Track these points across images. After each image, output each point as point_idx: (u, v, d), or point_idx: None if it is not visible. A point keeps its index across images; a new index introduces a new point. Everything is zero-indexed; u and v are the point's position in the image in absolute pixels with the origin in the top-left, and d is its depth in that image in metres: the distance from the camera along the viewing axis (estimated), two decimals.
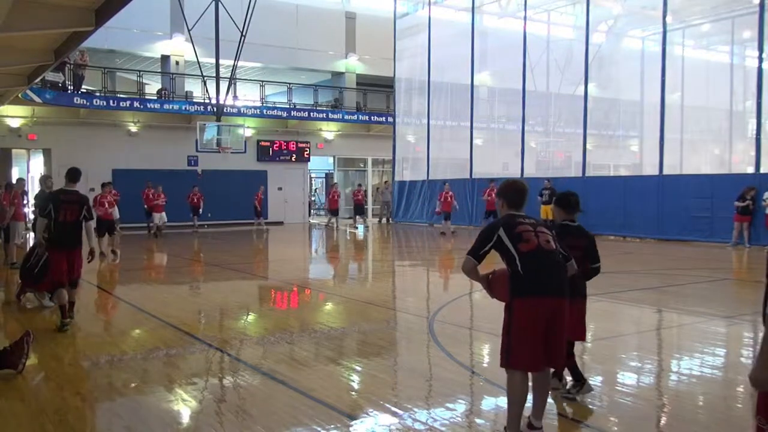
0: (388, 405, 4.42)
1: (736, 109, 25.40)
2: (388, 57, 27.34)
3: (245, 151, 23.20)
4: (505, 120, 26.21)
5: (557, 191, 18.02)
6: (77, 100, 21.51)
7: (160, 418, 4.28)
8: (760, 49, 16.31)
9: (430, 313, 7.96)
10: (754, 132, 17.88)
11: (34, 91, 19.53)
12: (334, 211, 23.79)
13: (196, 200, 21.39)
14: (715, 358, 6.05)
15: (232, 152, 22.38)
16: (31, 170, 24.51)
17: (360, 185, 26.45)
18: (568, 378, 4.59)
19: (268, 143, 26.05)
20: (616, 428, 4.18)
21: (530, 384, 3.71)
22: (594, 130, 23.04)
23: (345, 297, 9.57)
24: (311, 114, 26.87)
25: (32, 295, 8.38)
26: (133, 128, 23.54)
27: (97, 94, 22.73)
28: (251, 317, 8.12)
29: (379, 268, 14.05)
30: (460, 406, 4.52)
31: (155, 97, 24.32)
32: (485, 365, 5.60)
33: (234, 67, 20.64)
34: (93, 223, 7.65)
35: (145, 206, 20.02)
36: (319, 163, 30.05)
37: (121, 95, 24.23)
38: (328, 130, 27.93)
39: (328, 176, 30.97)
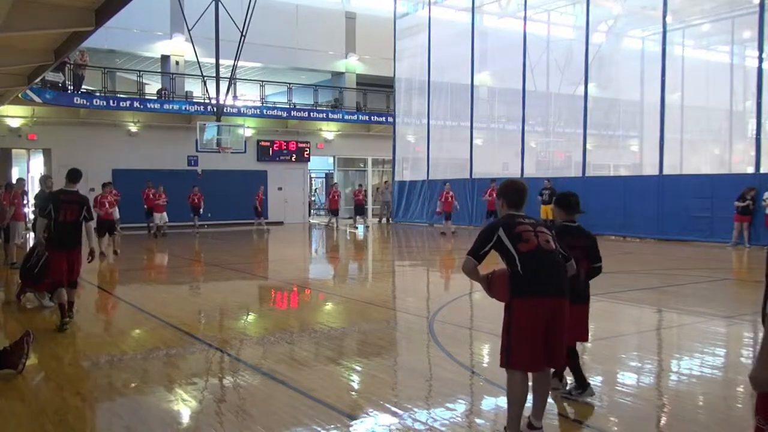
0: (388, 405, 4.42)
1: (736, 109, 25.39)
2: (388, 57, 27.34)
3: (245, 151, 23.20)
4: (505, 120, 26.21)
5: (557, 191, 18.07)
6: (77, 100, 21.51)
7: (160, 418, 4.28)
8: (760, 49, 16.31)
9: (430, 313, 7.96)
10: (754, 132, 17.88)
11: (34, 91, 19.53)
12: (334, 211, 23.79)
13: (196, 200, 21.39)
14: (715, 358, 6.05)
15: (232, 152, 22.38)
16: (31, 170, 24.51)
17: (361, 185, 26.45)
18: (569, 378, 4.59)
19: (268, 143, 26.05)
20: (616, 428, 4.19)
21: (530, 384, 3.71)
22: (594, 130, 23.04)
23: (345, 297, 9.57)
24: (311, 114, 26.87)
25: (32, 295, 8.38)
26: (133, 128, 23.54)
27: (97, 94, 22.73)
28: (251, 317, 8.12)
29: (379, 268, 14.05)
30: (460, 406, 4.53)
31: (155, 97, 24.32)
32: (485, 365, 5.60)
33: (234, 67, 20.64)
34: (93, 224, 7.65)
35: (145, 206, 20.03)
36: (319, 163, 30.05)
37: (121, 95, 24.23)
38: (328, 130, 27.94)
39: (328, 176, 30.98)
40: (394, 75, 27.17)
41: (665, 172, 18.11)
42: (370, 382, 5.17)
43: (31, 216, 14.93)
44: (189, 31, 19.94)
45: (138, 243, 18.08)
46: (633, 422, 4.21)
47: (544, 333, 3.59)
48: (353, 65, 29.55)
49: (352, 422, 4.14)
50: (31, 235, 14.12)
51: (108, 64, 24.93)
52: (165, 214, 19.62)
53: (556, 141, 26.55)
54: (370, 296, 9.84)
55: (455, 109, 24.96)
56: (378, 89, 29.71)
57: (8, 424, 4.15)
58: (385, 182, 29.13)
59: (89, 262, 7.43)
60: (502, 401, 3.90)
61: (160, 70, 26.31)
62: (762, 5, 16.04)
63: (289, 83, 27.24)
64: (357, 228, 23.90)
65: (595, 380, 4.78)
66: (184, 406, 4.58)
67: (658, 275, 11.62)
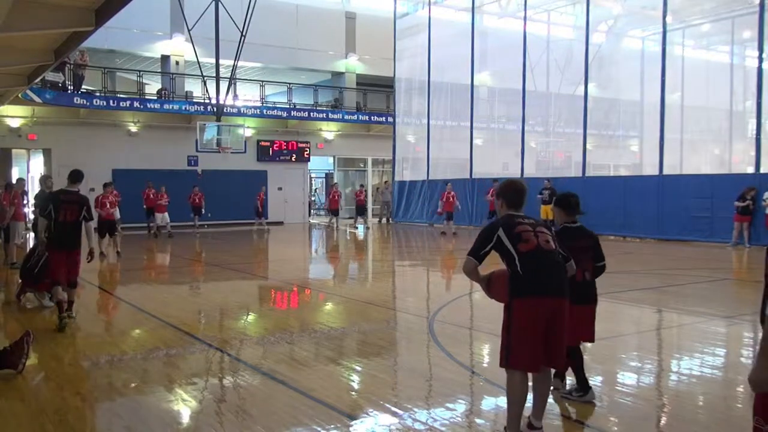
0: (388, 405, 4.42)
1: (736, 109, 25.39)
2: (388, 57, 27.34)
3: (245, 151, 23.20)
4: (505, 120, 26.20)
5: (557, 191, 18.09)
6: (77, 100, 21.51)
7: (160, 418, 4.28)
8: (760, 49, 16.31)
9: (430, 313, 7.96)
10: (754, 132, 17.88)
11: (34, 91, 19.53)
12: (334, 211, 23.79)
13: (197, 200, 21.40)
14: (715, 358, 6.05)
15: (232, 152, 22.38)
16: (31, 170, 24.51)
17: (362, 185, 26.43)
18: (569, 379, 4.59)
19: (268, 143, 26.05)
20: (616, 428, 4.19)
21: (530, 384, 3.71)
22: (594, 130, 23.03)
23: (345, 297, 9.57)
24: (311, 114, 26.87)
25: (32, 295, 8.38)
26: (133, 128, 23.54)
27: (97, 94, 22.73)
28: (251, 317, 8.12)
29: (379, 268, 14.05)
30: (460, 406, 4.53)
31: (155, 97, 24.32)
32: (485, 365, 5.60)
33: (234, 67, 20.64)
34: (93, 224, 7.66)
35: (145, 206, 20.04)
36: (319, 163, 30.05)
37: (121, 95, 24.23)
38: (328, 130, 27.93)
39: (328, 176, 30.98)
40: (394, 75, 27.18)
41: (665, 172, 18.11)
42: (370, 382, 5.17)
43: (31, 216, 14.93)
44: (189, 31, 19.95)
45: (138, 243, 18.08)
46: (633, 422, 4.21)
47: (544, 333, 3.59)
48: (353, 65, 29.55)
49: (352, 422, 4.14)
50: (31, 235, 14.11)
51: (108, 64, 24.93)
52: (167, 214, 19.64)
53: (556, 141, 26.55)
54: (370, 296, 9.84)
55: (455, 109, 24.96)
56: (378, 89, 29.71)
57: (8, 424, 4.15)
58: (385, 182, 29.13)
59: (88, 262, 7.43)
60: (502, 401, 3.90)
61: (160, 70, 26.31)
62: (762, 5, 16.04)
63: (289, 83, 27.24)
64: (357, 228, 23.90)
65: (595, 380, 4.78)
66: (184, 406, 4.58)
67: (658, 275, 11.62)
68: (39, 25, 8.60)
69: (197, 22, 19.87)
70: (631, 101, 25.50)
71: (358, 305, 8.86)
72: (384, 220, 27.57)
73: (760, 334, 2.17)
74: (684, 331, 7.27)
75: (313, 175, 30.61)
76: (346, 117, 27.58)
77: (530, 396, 3.74)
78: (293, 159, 26.55)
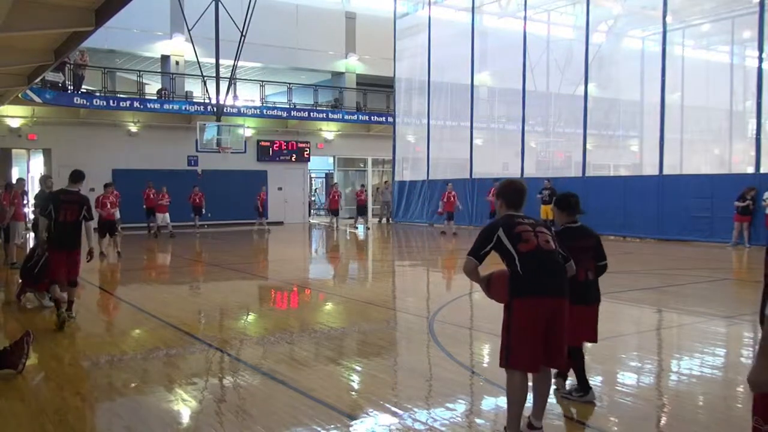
0: (388, 405, 4.42)
1: (736, 109, 25.39)
2: (388, 57, 27.34)
3: (245, 151, 23.20)
4: (505, 120, 26.20)
5: (557, 191, 18.08)
6: (77, 100, 21.51)
7: (160, 418, 4.28)
8: (760, 49, 16.31)
9: (430, 313, 7.96)
10: (754, 132, 17.87)
11: (34, 91, 19.53)
12: (334, 211, 23.80)
13: (197, 200, 21.41)
14: (715, 358, 6.05)
15: (232, 152, 22.38)
16: (31, 170, 24.51)
17: (363, 185, 26.41)
18: (568, 379, 4.59)
19: (268, 143, 26.05)
20: (616, 428, 4.19)
21: (530, 384, 3.71)
22: (594, 130, 23.03)
23: (345, 297, 9.57)
24: (311, 114, 26.87)
25: (32, 295, 8.38)
26: (133, 128, 23.54)
27: (97, 94, 22.73)
28: (251, 317, 8.12)
29: (379, 268, 14.05)
30: (460, 406, 4.52)
31: (155, 97, 24.32)
32: (485, 365, 5.60)
33: (234, 67, 20.64)
34: (93, 224, 7.68)
35: (145, 206, 20.05)
36: (319, 163, 30.05)
37: (121, 95, 24.24)
38: (328, 130, 27.94)
39: (328, 176, 30.98)
40: (394, 75, 27.17)
41: (665, 172, 18.11)
42: (370, 382, 5.17)
43: (31, 216, 14.93)
44: (189, 31, 19.95)
45: (138, 243, 18.08)
46: (633, 422, 4.21)
47: (543, 333, 3.59)
48: (353, 65, 29.56)
49: (352, 422, 4.14)
50: (31, 235, 14.11)
51: (108, 64, 24.94)
52: (168, 214, 19.64)
53: (556, 141, 26.55)
54: (370, 296, 9.84)
55: (455, 109, 24.96)
56: (378, 89, 29.71)
57: (8, 424, 4.15)
58: (385, 182, 29.13)
59: (88, 262, 7.44)
60: (502, 401, 3.90)
61: (160, 70, 26.31)
62: (762, 5, 16.04)
63: (289, 83, 27.25)
64: (357, 228, 23.90)
65: (595, 380, 4.78)
66: (184, 406, 4.58)
67: (658, 275, 11.62)
68: (39, 25, 8.61)
69: (197, 22, 19.87)
70: (631, 101, 25.50)
71: (358, 305, 8.86)
72: (384, 220, 27.57)
73: (760, 335, 2.17)
74: (684, 331, 7.27)
75: (313, 175, 30.61)
76: (346, 117, 27.59)
77: (530, 396, 3.74)
78: (293, 159, 26.55)
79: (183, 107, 24.01)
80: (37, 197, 11.88)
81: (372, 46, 28.96)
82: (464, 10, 24.53)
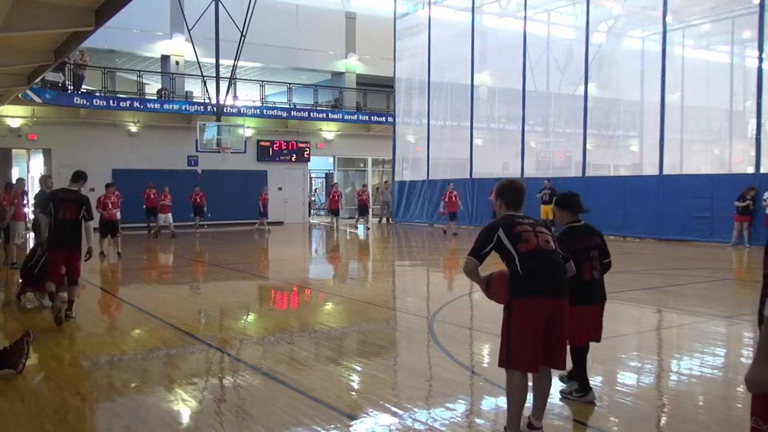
0: (388, 405, 4.42)
1: (736, 109, 25.39)
2: (388, 57, 27.34)
3: (245, 151, 23.20)
4: (505, 120, 26.20)
5: (557, 191, 18.06)
6: (77, 100, 21.51)
7: (160, 418, 4.28)
8: (760, 49, 16.31)
9: (430, 313, 7.96)
10: (754, 132, 17.87)
11: (34, 91, 19.53)
12: (334, 211, 23.82)
13: (198, 200, 21.41)
14: (715, 358, 6.05)
15: (232, 152, 22.38)
16: (31, 170, 24.51)
17: (364, 185, 26.38)
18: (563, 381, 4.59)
19: (268, 143, 26.05)
20: (616, 428, 4.19)
21: (530, 384, 3.71)
22: (594, 130, 23.03)
23: (345, 297, 9.57)
24: (311, 114, 26.87)
25: (32, 295, 8.39)
26: (133, 128, 23.54)
27: (97, 94, 22.73)
28: (251, 317, 8.12)
29: (379, 268, 14.04)
30: (460, 406, 4.53)
31: (155, 97, 24.32)
32: (485, 365, 5.60)
33: (234, 67, 20.64)
34: (94, 224, 7.72)
35: (145, 206, 20.05)
36: (319, 163, 30.05)
37: (121, 95, 24.24)
38: (328, 130, 27.94)
39: (328, 176, 30.98)
40: (394, 75, 27.17)
41: (665, 172, 18.11)
42: (370, 382, 5.17)
43: (31, 216, 14.93)
44: (189, 31, 19.95)
45: (138, 243, 18.08)
46: (633, 422, 4.21)
47: (543, 333, 3.59)
48: (353, 65, 29.56)
49: (352, 422, 4.14)
50: (31, 235, 14.12)
51: (108, 64, 24.94)
52: (170, 215, 19.65)
53: (556, 141, 26.55)
54: (370, 296, 9.84)
55: (455, 109, 24.96)
56: (378, 89, 29.71)
57: (8, 424, 4.15)
58: (385, 182, 29.13)
59: (86, 261, 7.46)
60: (502, 401, 3.90)
61: (160, 70, 26.31)
62: (762, 5, 16.04)
63: (289, 83, 27.25)
64: (357, 228, 23.90)
65: (595, 380, 4.78)
66: (184, 406, 4.58)
67: (658, 275, 11.62)
68: (39, 25, 8.61)
69: (197, 22, 19.87)
70: (631, 101, 25.50)
71: (358, 305, 8.86)
72: (384, 220, 27.57)
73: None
74: (684, 331, 7.27)
75: (313, 175, 30.61)
76: (346, 117, 27.58)
77: (530, 396, 3.74)
78: (293, 159, 26.55)
79: (183, 107, 24.01)
80: (36, 197, 11.89)
81: (372, 46, 28.96)
82: (464, 10, 24.53)
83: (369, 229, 23.79)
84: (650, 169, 20.36)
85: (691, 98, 24.37)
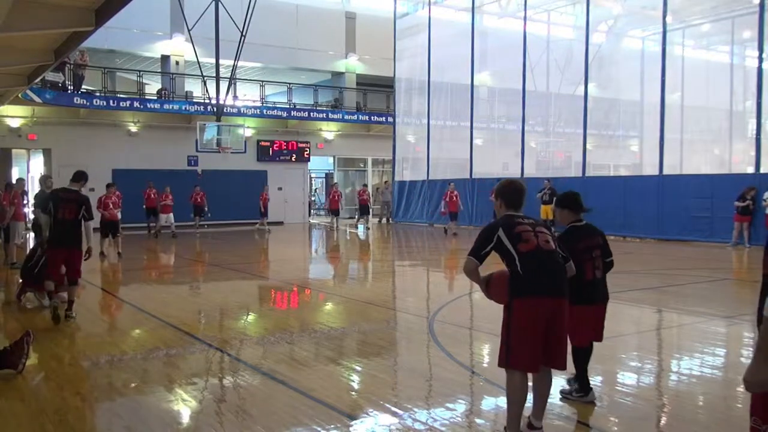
0: (388, 405, 4.42)
1: (736, 109, 25.39)
2: (388, 57, 27.34)
3: (245, 151, 23.20)
4: (505, 120, 26.20)
5: (557, 191, 18.04)
6: (77, 100, 21.51)
7: (160, 418, 4.28)
8: (760, 49, 16.31)
9: (430, 313, 7.96)
10: (754, 132, 17.87)
11: (34, 91, 19.53)
12: (334, 211, 23.81)
13: (199, 200, 21.42)
14: (715, 358, 6.05)
15: (232, 152, 22.38)
16: (31, 170, 24.51)
17: (365, 185, 26.36)
18: (565, 381, 4.58)
19: (268, 143, 26.05)
20: (616, 428, 4.19)
21: (530, 384, 3.71)
22: (594, 130, 23.03)
23: (345, 297, 9.57)
24: (311, 114, 26.87)
25: (32, 295, 8.39)
26: (133, 128, 23.54)
27: (97, 94, 22.73)
28: (251, 317, 8.12)
29: (379, 268, 14.04)
30: (460, 406, 4.52)
31: (155, 97, 24.32)
32: (485, 365, 5.60)
33: (234, 67, 20.64)
34: (94, 224, 7.74)
35: (145, 206, 20.05)
36: (319, 163, 30.05)
37: (121, 95, 24.24)
38: (328, 130, 27.93)
39: (328, 176, 30.98)
40: (394, 75, 27.17)
41: (665, 172, 18.10)
42: (370, 382, 5.17)
43: (31, 216, 14.93)
44: (189, 31, 19.94)
45: (138, 243, 18.08)
46: (633, 422, 4.21)
47: (543, 333, 3.59)
48: (353, 65, 29.56)
49: (352, 422, 4.14)
50: (31, 235, 14.12)
51: (108, 64, 24.94)
52: (172, 215, 19.65)
53: (556, 141, 26.55)
54: (370, 296, 9.84)
55: (455, 109, 24.96)
56: (378, 89, 29.70)
57: (8, 424, 4.15)
58: (385, 182, 29.13)
59: (85, 260, 7.47)
60: (502, 401, 3.90)
61: (160, 70, 26.31)
62: (762, 5, 16.04)
63: (289, 83, 27.25)
64: (357, 228, 23.90)
65: (595, 380, 4.78)
66: (184, 406, 4.58)
67: (658, 275, 11.62)
68: (39, 25, 8.61)
69: (197, 22, 19.87)
70: (631, 101, 25.50)
71: (358, 305, 8.86)
72: (384, 220, 27.57)
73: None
74: (684, 331, 7.27)
75: (313, 175, 30.61)
76: (346, 117, 27.58)
77: (530, 396, 3.74)
78: (293, 159, 26.55)
79: (183, 107, 24.01)
80: (36, 197, 11.89)
81: (372, 46, 28.96)
82: (464, 10, 24.52)
83: (369, 229, 23.78)
84: (650, 169, 20.35)
85: (691, 98, 24.37)
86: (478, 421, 4.30)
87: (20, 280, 8.56)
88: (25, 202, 14.96)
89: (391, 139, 27.20)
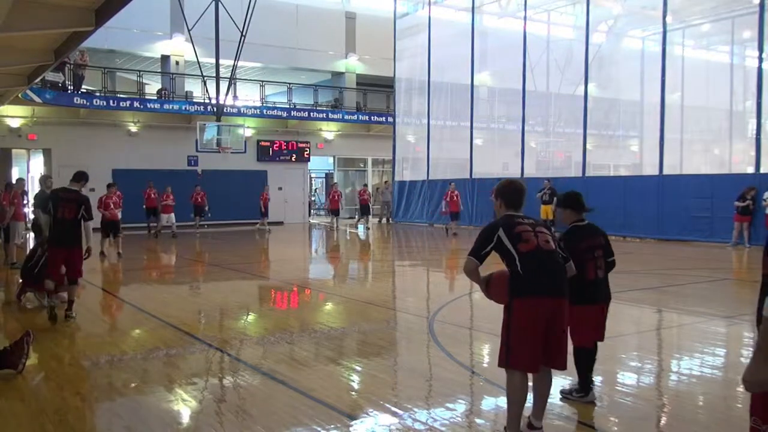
0: (388, 405, 4.42)
1: (736, 109, 25.38)
2: (388, 57, 27.33)
3: (245, 151, 23.20)
4: (505, 120, 26.20)
5: (557, 191, 18.06)
6: (77, 100, 21.51)
7: (160, 418, 4.28)
8: (760, 49, 16.30)
9: (430, 313, 7.96)
10: (754, 132, 17.87)
11: (34, 91, 19.53)
12: (334, 211, 23.81)
13: (200, 200, 21.42)
14: (715, 358, 6.05)
15: (232, 152, 22.39)
16: (31, 170, 24.51)
17: (365, 185, 26.34)
18: (569, 379, 4.58)
19: (268, 143, 26.04)
20: (616, 428, 4.19)
21: (530, 384, 3.71)
22: (594, 130, 23.02)
23: (345, 297, 9.57)
24: (311, 114, 26.87)
25: (32, 295, 8.39)
26: (133, 128, 23.54)
27: (97, 94, 22.73)
28: (251, 317, 8.12)
29: (379, 268, 14.04)
30: (460, 406, 4.53)
31: (155, 97, 24.32)
32: (485, 365, 5.60)
33: (234, 67, 20.64)
34: (94, 224, 7.75)
35: (145, 206, 20.04)
36: (319, 163, 30.04)
37: (121, 95, 24.23)
38: (328, 130, 27.93)
39: (328, 176, 30.97)
40: (394, 75, 27.17)
41: (665, 172, 18.10)
42: (370, 382, 5.17)
43: (31, 216, 14.93)
44: (189, 31, 19.94)
45: (138, 243, 18.08)
46: (633, 422, 4.21)
47: (543, 333, 3.59)
48: (353, 65, 29.55)
49: (352, 422, 4.14)
50: (31, 235, 14.11)
51: (108, 64, 24.94)
52: (173, 215, 19.66)
53: (556, 141, 26.55)
54: (370, 296, 9.84)
55: (455, 109, 24.95)
56: (378, 89, 29.70)
57: (8, 424, 4.15)
58: (385, 182, 29.13)
59: (85, 259, 7.48)
60: (502, 401, 3.90)
61: (160, 70, 26.31)
62: (762, 5, 16.03)
63: (289, 83, 27.24)
64: (358, 228, 23.89)
65: (595, 380, 4.78)
66: (184, 406, 4.58)
67: (658, 275, 11.62)
68: (39, 25, 8.61)
69: (197, 22, 19.86)
70: (631, 101, 25.50)
71: (358, 305, 8.86)
72: (384, 220, 27.56)
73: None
74: (684, 331, 7.27)
75: (313, 175, 30.61)
76: (346, 117, 27.58)
77: (530, 396, 3.74)
78: (293, 159, 26.55)
79: (183, 107, 24.00)
80: (36, 197, 11.89)
81: (372, 46, 28.95)
82: (464, 10, 24.52)
83: (369, 229, 23.78)
84: (650, 169, 20.35)
85: (691, 98, 24.37)
86: (478, 421, 4.30)
87: (20, 280, 8.56)
88: (25, 202, 14.96)
89: (391, 139, 27.20)
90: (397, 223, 26.34)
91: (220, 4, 20.02)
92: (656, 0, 19.72)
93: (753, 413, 2.18)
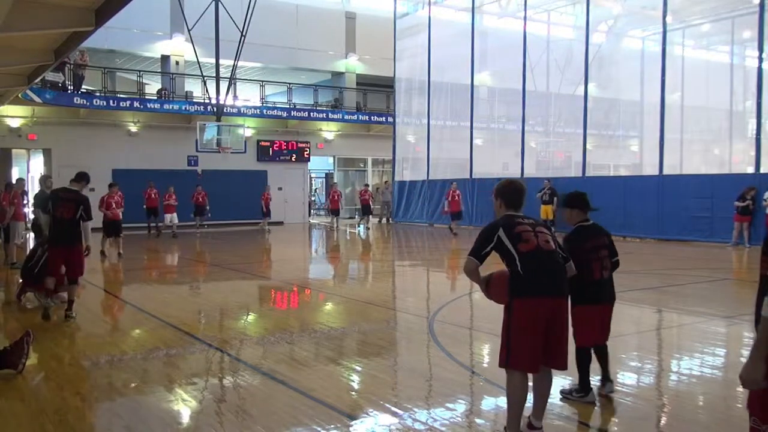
0: (388, 405, 4.42)
1: (736, 109, 25.39)
2: (388, 57, 27.34)
3: (245, 151, 23.21)
4: (505, 120, 26.21)
5: (557, 191, 18.07)
6: (77, 100, 21.51)
7: (160, 418, 4.28)
8: (760, 49, 16.30)
9: (430, 313, 7.96)
10: (754, 132, 17.87)
11: (34, 91, 19.53)
12: (334, 211, 23.80)
13: (201, 199, 21.42)
14: (715, 358, 6.05)
15: (232, 152, 22.39)
16: (31, 170, 24.51)
17: (366, 185, 26.34)
18: (569, 379, 4.58)
19: (268, 143, 26.05)
20: (616, 428, 4.19)
21: (530, 384, 3.71)
22: (594, 130, 23.03)
23: (345, 297, 9.57)
24: (311, 114, 26.87)
25: (32, 295, 8.38)
26: (133, 128, 23.54)
27: (97, 94, 22.73)
28: (251, 317, 8.12)
29: (379, 268, 14.04)
30: (460, 406, 4.52)
31: (155, 97, 24.32)
32: (485, 365, 5.60)
33: (234, 67, 20.64)
34: (93, 224, 7.76)
35: (145, 206, 20.04)
36: (319, 163, 30.05)
37: (121, 95, 24.24)
38: (328, 130, 27.94)
39: (328, 176, 30.98)
40: (394, 75, 27.17)
41: (665, 172, 18.10)
42: (370, 382, 5.17)
43: (31, 216, 14.93)
44: (189, 31, 19.95)
45: (138, 243, 18.08)
46: (633, 422, 4.21)
47: (543, 333, 3.59)
48: (353, 65, 29.55)
49: (352, 422, 4.14)
50: (31, 235, 14.11)
51: (108, 64, 24.94)
52: (175, 215, 19.66)
53: (556, 141, 26.55)
54: (370, 296, 9.84)
55: (455, 109, 24.96)
56: (378, 89, 29.70)
57: (8, 424, 4.15)
58: (385, 182, 29.13)
59: (84, 257, 7.48)
60: (502, 401, 3.90)
61: (160, 70, 26.31)
62: (762, 5, 16.03)
63: (289, 83, 27.25)
64: (358, 228, 23.89)
65: (595, 380, 4.78)
66: (184, 406, 4.58)
67: (658, 275, 11.62)
68: (39, 25, 8.61)
69: (197, 22, 19.88)
70: (631, 101, 25.50)
71: (358, 305, 8.86)
72: (384, 220, 27.56)
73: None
74: (684, 331, 7.27)
75: (313, 175, 30.61)
76: (346, 117, 27.59)
77: (530, 396, 3.74)
78: (293, 159, 26.55)
79: (183, 107, 24.01)
80: (36, 197, 11.89)
81: (372, 46, 28.96)
82: (464, 10, 24.52)
83: (369, 229, 23.78)
84: (650, 169, 20.35)
85: (691, 98, 24.37)
86: (478, 421, 4.30)
87: (20, 280, 8.56)
88: (25, 202, 14.96)
89: (391, 139, 27.20)
90: (397, 223, 26.34)
91: (220, 4, 20.03)
92: (656, 0, 19.72)
93: (752, 413, 2.19)
